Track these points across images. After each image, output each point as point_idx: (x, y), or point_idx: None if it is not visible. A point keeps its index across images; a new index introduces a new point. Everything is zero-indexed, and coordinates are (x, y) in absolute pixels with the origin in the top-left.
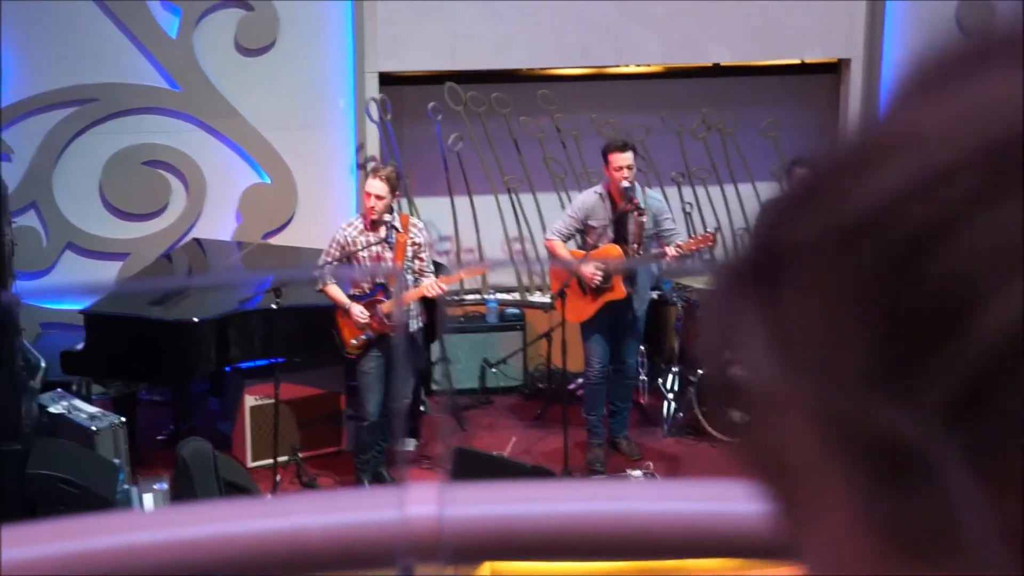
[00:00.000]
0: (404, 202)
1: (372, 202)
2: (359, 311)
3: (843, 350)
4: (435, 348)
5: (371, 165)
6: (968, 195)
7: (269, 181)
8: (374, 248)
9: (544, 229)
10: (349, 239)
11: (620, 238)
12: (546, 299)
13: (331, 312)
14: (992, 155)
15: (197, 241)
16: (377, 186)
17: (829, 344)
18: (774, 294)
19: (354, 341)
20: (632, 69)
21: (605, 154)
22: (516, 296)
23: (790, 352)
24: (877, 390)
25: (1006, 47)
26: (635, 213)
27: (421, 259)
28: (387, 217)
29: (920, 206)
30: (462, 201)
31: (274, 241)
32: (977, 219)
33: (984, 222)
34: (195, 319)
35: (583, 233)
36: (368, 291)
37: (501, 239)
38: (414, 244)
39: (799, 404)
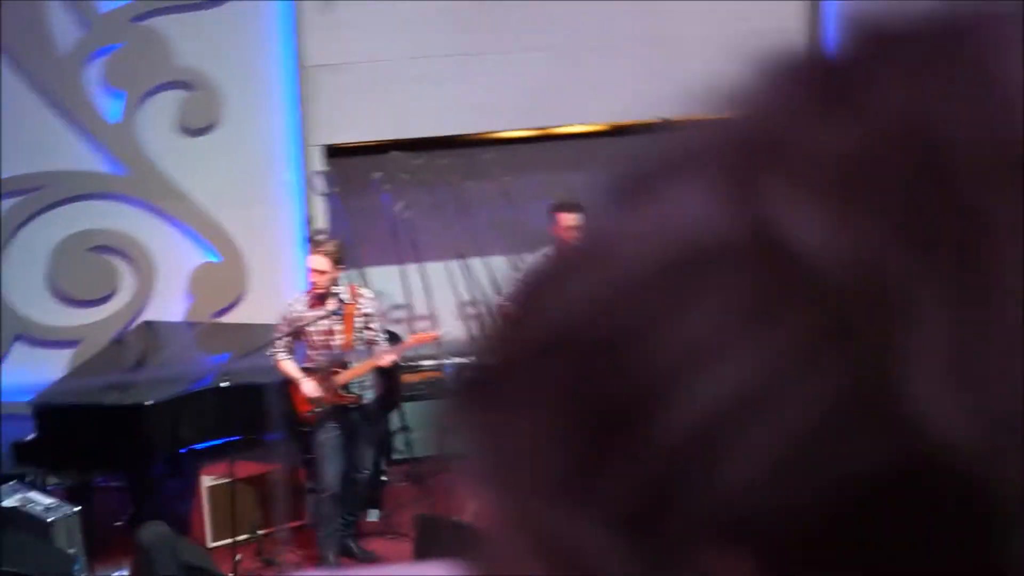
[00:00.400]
0: (355, 273)
1: (314, 277)
2: (311, 387)
3: (539, 460)
4: (395, 417)
5: (318, 238)
6: (648, 308)
7: (219, 259)
8: (323, 322)
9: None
10: (296, 315)
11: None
12: None
13: (284, 386)
14: (671, 269)
15: (148, 323)
16: (318, 261)
17: (528, 455)
18: (490, 409)
19: (308, 414)
20: (576, 129)
21: (554, 212)
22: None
23: (498, 465)
24: (566, 501)
25: (696, 157)
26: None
27: (372, 329)
28: (336, 289)
29: (605, 318)
30: (413, 269)
31: (226, 319)
32: (657, 331)
33: (663, 334)
34: (148, 402)
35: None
36: (322, 364)
37: (452, 303)
38: (364, 315)
39: (505, 516)
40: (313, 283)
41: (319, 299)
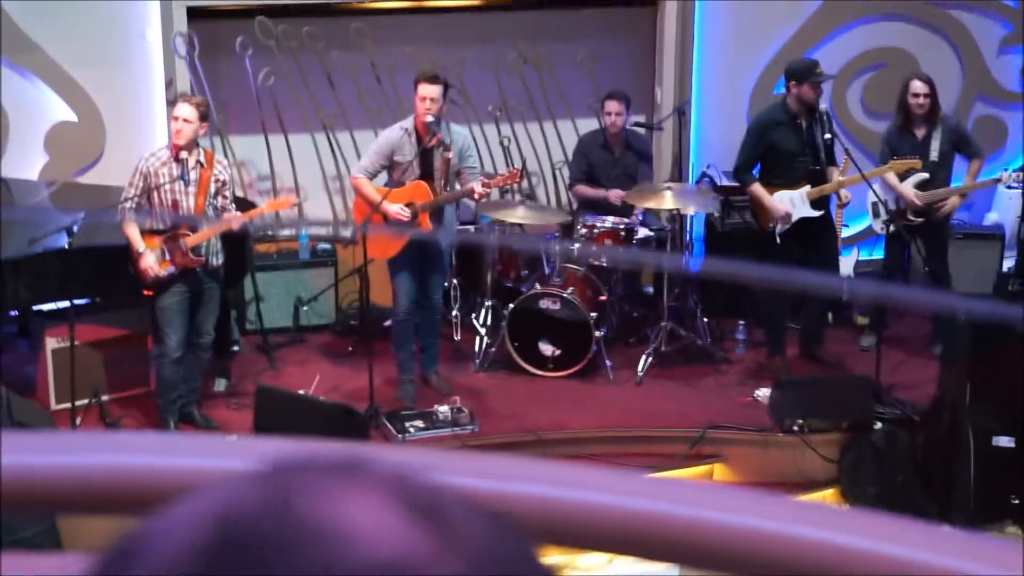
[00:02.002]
0: (218, 141)
1: (179, 125)
2: (150, 262)
3: None
4: (248, 286)
5: (185, 94)
6: None
7: (75, 118)
8: (178, 183)
9: None
10: (151, 169)
11: (426, 174)
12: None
13: (129, 250)
14: None
15: (1, 179)
16: (185, 110)
17: None
18: None
19: (163, 272)
20: (447, 2)
21: (416, 83)
22: (327, 231)
23: None
24: None
25: None
26: (441, 148)
27: (225, 196)
28: (193, 152)
29: None
30: (277, 139)
31: (83, 180)
32: None
33: None
34: None
35: (389, 169)
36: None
37: (319, 176)
38: (217, 181)
39: None
40: (176, 131)
41: (178, 152)
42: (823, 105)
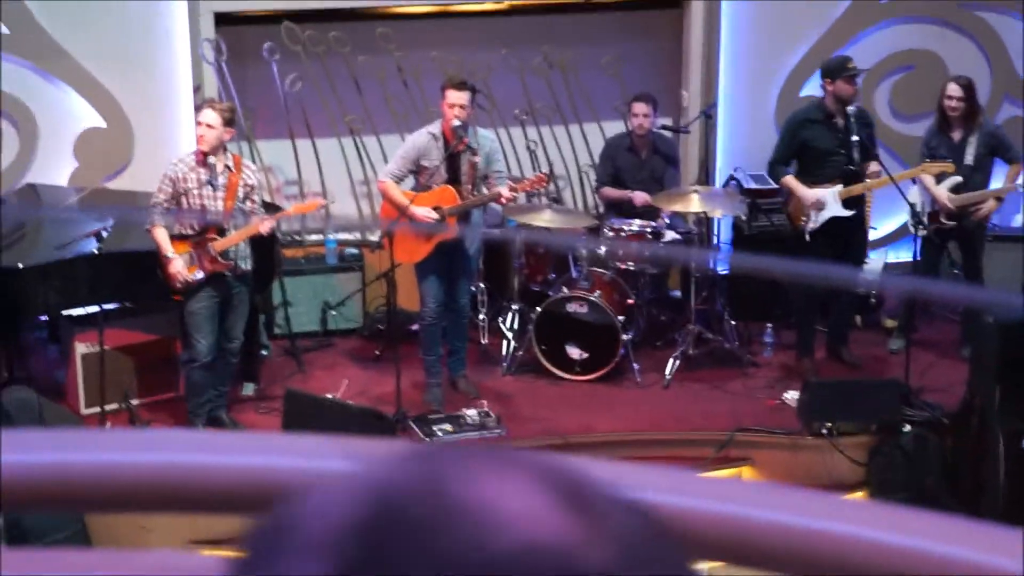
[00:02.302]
0: (246, 146)
1: (202, 130)
2: (179, 266)
3: None
4: (276, 290)
5: (211, 100)
6: None
7: (104, 125)
8: (206, 188)
9: None
10: (180, 175)
11: (453, 178)
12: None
13: (158, 255)
14: None
15: (31, 186)
16: (209, 115)
17: None
18: None
19: (191, 277)
20: (473, 6)
21: (443, 89)
22: (354, 236)
23: None
24: None
25: None
26: (468, 153)
27: (253, 201)
28: (221, 157)
29: None
30: (304, 144)
31: (112, 186)
32: None
33: None
34: (20, 265)
35: (416, 174)
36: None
37: (346, 180)
38: (246, 185)
39: None
40: (200, 136)
41: (205, 161)
42: (854, 104)
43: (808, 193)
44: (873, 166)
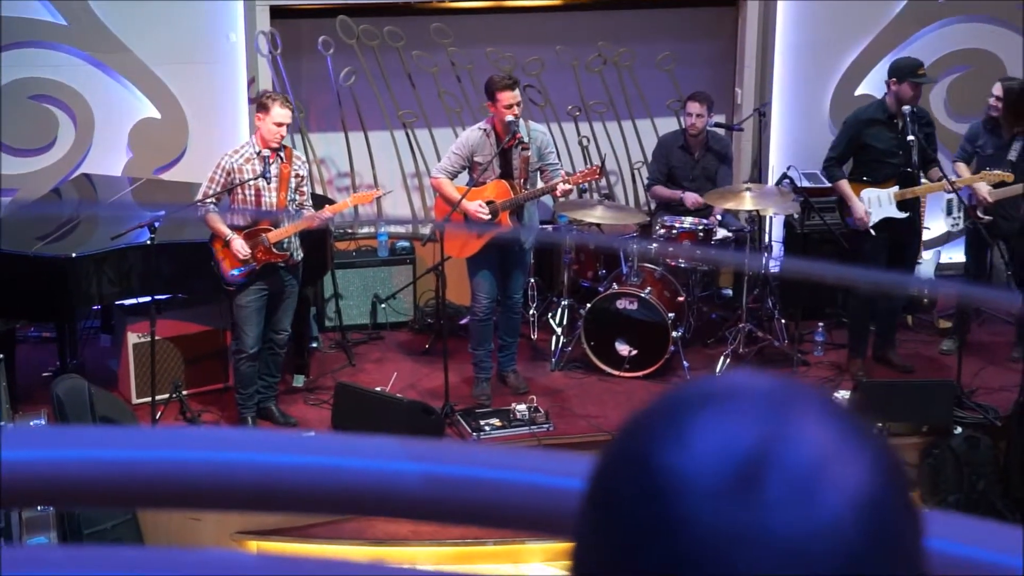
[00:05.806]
0: (299, 139)
1: (283, 131)
2: (240, 245)
3: None
4: (327, 283)
5: (273, 95)
6: None
7: (159, 116)
8: (260, 180)
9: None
10: (235, 166)
11: (506, 173)
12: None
13: (211, 246)
14: None
15: (87, 176)
16: (288, 115)
17: None
18: None
19: (235, 272)
20: (528, 2)
21: (492, 92)
22: (406, 229)
23: None
24: None
25: None
26: (520, 147)
27: (303, 192)
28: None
29: None
30: (357, 137)
31: (165, 176)
32: None
33: None
34: (73, 255)
35: (469, 170)
36: (251, 222)
37: (398, 174)
38: (297, 176)
39: None
40: (280, 136)
41: (259, 154)
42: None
43: (859, 205)
44: (935, 172)
